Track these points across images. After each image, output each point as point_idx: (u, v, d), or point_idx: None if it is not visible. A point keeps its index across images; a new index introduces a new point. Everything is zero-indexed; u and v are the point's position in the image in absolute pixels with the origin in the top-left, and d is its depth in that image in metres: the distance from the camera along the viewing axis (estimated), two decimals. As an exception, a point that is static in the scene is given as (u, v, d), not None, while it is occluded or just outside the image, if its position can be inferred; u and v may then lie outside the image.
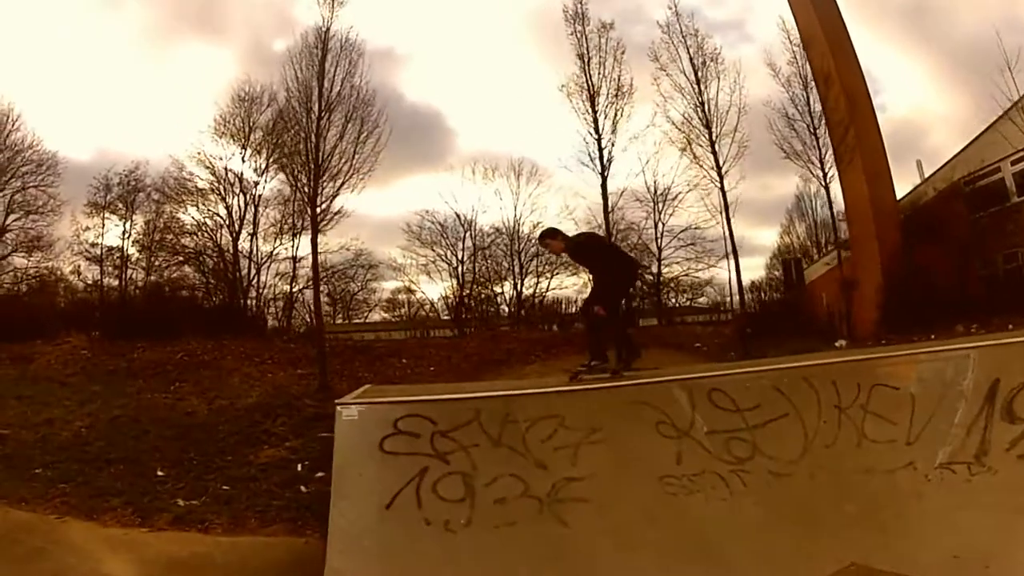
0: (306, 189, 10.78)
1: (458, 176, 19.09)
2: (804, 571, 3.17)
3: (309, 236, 13.47)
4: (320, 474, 5.76)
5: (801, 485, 3.71)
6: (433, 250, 20.47)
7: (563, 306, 18.69)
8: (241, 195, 22.69)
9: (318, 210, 10.90)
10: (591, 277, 5.24)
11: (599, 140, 15.47)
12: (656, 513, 3.49)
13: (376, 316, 20.89)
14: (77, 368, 11.53)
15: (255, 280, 22.75)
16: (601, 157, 15.61)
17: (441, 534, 3.25)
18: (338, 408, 3.53)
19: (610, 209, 15.80)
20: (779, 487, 3.72)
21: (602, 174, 15.53)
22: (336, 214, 12.76)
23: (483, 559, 3.19)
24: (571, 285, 18.22)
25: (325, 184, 11.03)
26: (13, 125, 22.71)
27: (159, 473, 6.44)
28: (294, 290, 21.50)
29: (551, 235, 5.17)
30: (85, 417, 8.73)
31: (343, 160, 11.56)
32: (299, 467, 6.26)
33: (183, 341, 12.94)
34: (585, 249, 5.23)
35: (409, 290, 21.78)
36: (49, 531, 5.35)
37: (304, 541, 4.94)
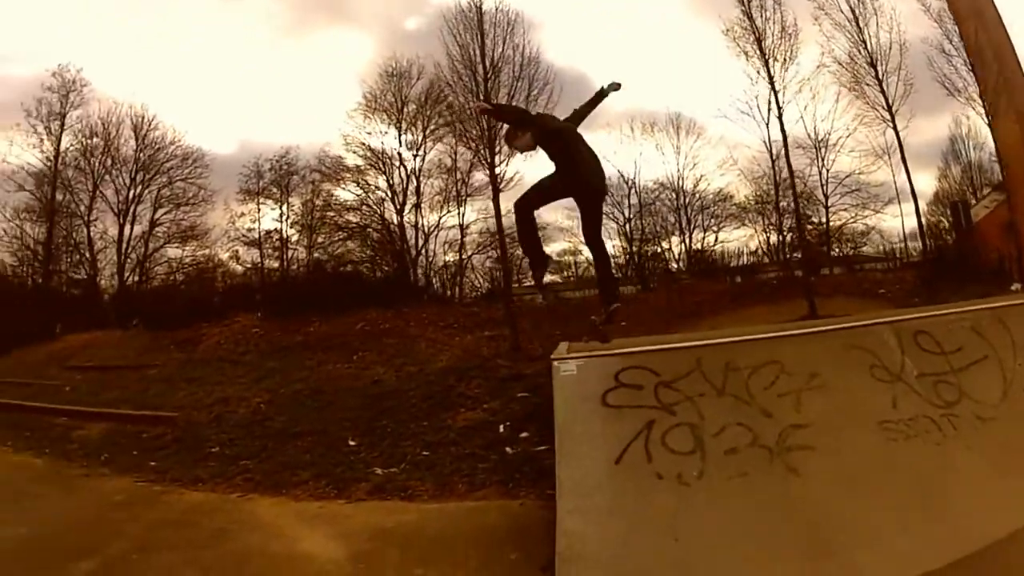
0: (483, 151, 11.90)
1: (616, 134, 21.48)
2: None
3: (470, 204, 16.99)
4: (524, 434, 6.37)
5: (1005, 428, 4.19)
6: (599, 209, 24.89)
7: (735, 258, 21.73)
8: (401, 167, 28.09)
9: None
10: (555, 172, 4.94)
11: (772, 83, 17.35)
12: (880, 459, 3.90)
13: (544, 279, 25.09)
14: (249, 346, 12.92)
15: (423, 250, 27.84)
16: (776, 102, 17.47)
17: (675, 487, 3.62)
18: (554, 364, 3.94)
19: (774, 157, 17.79)
20: (985, 431, 4.20)
21: (779, 118, 17.36)
22: (510, 178, 13.92)
23: (719, 511, 3.55)
24: (738, 237, 21.38)
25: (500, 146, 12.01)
26: (150, 125, 28.68)
27: (350, 443, 7.02)
28: (463, 257, 26.72)
29: (511, 133, 5.02)
30: (263, 393, 9.62)
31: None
32: (501, 428, 6.67)
33: (360, 312, 14.74)
34: (560, 136, 4.93)
35: (576, 251, 25.39)
36: (231, 510, 5.88)
37: (519, 503, 5.33)
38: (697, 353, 4.09)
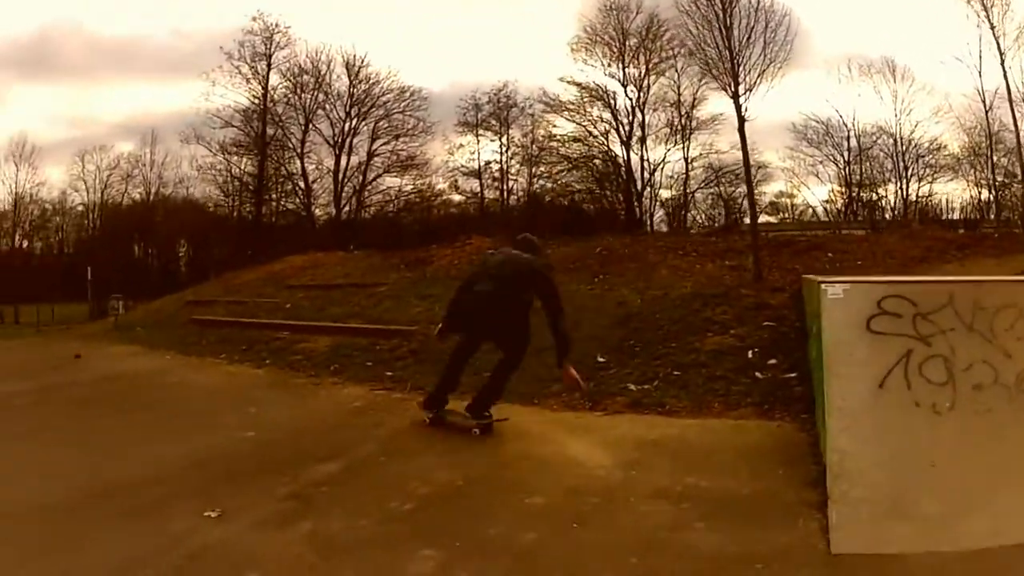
0: (728, 80, 12.61)
1: (833, 74, 25.98)
2: None
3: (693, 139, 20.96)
4: (772, 361, 7.49)
5: None
6: (820, 150, 33.66)
7: (951, 211, 26.74)
8: (626, 99, 36.11)
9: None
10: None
11: (992, 29, 20.23)
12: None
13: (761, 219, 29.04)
14: None
15: (650, 182, 36.12)
16: (998, 48, 20.75)
17: (929, 416, 4.37)
18: (822, 287, 4.67)
19: (987, 107, 21.72)
20: None
21: (1002, 64, 20.85)
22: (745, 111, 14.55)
23: (966, 443, 4.32)
24: (952, 189, 26.40)
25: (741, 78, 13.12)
26: (362, 62, 38.95)
27: (599, 359, 8.06)
28: (687, 192, 35.92)
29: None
30: None
31: (758, 51, 13.44)
32: (750, 354, 7.72)
33: (597, 237, 17.69)
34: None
35: (791, 194, 34.47)
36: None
37: (776, 424, 6.25)
38: (950, 288, 4.66)
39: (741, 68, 12.70)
